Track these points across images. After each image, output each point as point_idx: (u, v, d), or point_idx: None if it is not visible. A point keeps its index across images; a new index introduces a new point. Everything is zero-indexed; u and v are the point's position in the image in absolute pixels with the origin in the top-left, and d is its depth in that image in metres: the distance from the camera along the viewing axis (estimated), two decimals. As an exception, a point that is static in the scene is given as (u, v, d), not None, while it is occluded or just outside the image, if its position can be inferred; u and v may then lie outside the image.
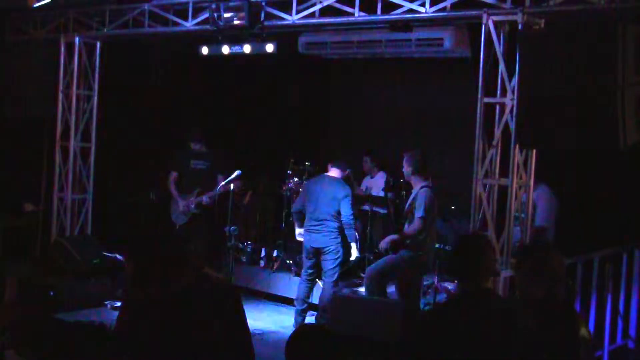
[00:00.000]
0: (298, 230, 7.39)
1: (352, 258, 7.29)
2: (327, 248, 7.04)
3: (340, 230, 7.04)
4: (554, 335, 3.20)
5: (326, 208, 7.03)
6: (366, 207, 8.21)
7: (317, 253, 7.12)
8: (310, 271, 7.20)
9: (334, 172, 7.22)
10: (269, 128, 10.27)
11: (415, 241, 6.46)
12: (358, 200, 8.73)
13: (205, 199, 7.83)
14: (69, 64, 8.32)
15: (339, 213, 6.99)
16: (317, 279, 7.40)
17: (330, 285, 7.09)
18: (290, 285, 8.10)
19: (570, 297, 5.48)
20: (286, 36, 7.64)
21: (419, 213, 6.37)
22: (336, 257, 7.07)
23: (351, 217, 7.02)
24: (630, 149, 5.00)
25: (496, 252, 5.51)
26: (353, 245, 7.17)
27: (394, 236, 6.56)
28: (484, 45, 5.82)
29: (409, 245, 6.47)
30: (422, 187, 6.48)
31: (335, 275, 7.12)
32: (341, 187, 7.12)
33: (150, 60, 9.44)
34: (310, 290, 7.25)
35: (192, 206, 7.92)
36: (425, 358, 3.32)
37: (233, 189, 7.40)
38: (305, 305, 7.20)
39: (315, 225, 7.07)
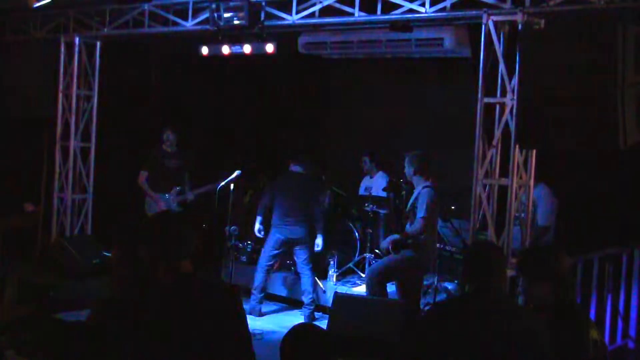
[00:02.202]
0: (259, 226, 7.69)
1: (318, 249, 7.67)
2: (304, 239, 7.53)
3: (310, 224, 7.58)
4: (560, 337, 3.19)
5: (301, 203, 7.52)
6: (367, 208, 8.21)
7: (290, 244, 7.55)
8: (271, 262, 7.62)
9: (298, 169, 7.62)
10: (269, 128, 10.27)
11: (416, 241, 6.46)
12: (358, 201, 8.75)
13: (190, 195, 8.21)
14: (69, 64, 8.32)
15: (310, 207, 7.54)
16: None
17: (310, 274, 7.54)
18: (290, 285, 8.11)
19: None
20: (286, 36, 7.64)
21: (420, 213, 6.38)
22: (309, 247, 7.58)
23: (320, 211, 7.68)
24: (630, 149, 5.00)
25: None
26: (320, 237, 7.61)
27: (395, 236, 6.57)
28: (484, 45, 5.82)
29: (411, 245, 6.47)
30: (423, 187, 6.49)
31: (311, 264, 7.60)
32: (312, 183, 7.83)
33: (150, 60, 9.44)
34: (268, 278, 7.66)
35: (174, 205, 8.14)
36: (426, 357, 3.32)
37: (233, 189, 7.48)
38: (264, 292, 7.61)
39: (292, 219, 7.48)
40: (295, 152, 7.82)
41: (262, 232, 7.72)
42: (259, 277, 7.57)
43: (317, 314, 7.57)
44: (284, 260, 8.44)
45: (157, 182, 8.21)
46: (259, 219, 7.70)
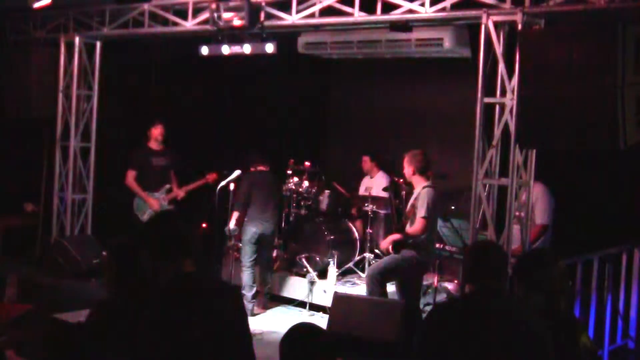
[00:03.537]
0: (234, 225, 7.69)
1: None
2: (272, 238, 7.88)
3: None
4: (555, 343, 3.19)
5: (274, 199, 7.81)
6: (367, 208, 8.21)
7: (261, 241, 7.67)
8: (254, 258, 7.68)
9: (266, 167, 7.82)
10: (269, 128, 10.27)
11: (416, 241, 6.47)
12: (359, 200, 8.75)
13: (180, 193, 8.29)
14: (69, 64, 8.32)
15: (279, 205, 8.02)
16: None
17: (270, 267, 7.94)
18: (290, 285, 8.11)
19: (570, 299, 5.48)
20: (286, 36, 7.64)
21: (421, 213, 6.38)
22: (273, 245, 8.05)
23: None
24: (630, 149, 5.00)
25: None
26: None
27: (395, 236, 6.57)
28: (484, 45, 5.83)
29: (410, 245, 6.48)
30: (423, 188, 6.49)
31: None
32: (277, 180, 8.11)
33: (150, 60, 9.44)
34: (255, 275, 7.71)
35: (165, 203, 8.16)
36: (427, 357, 3.31)
37: (233, 189, 7.50)
38: (254, 290, 7.65)
39: (267, 215, 7.67)
40: (259, 153, 7.94)
41: (236, 231, 7.76)
42: (245, 275, 7.61)
43: (314, 312, 7.60)
44: (283, 260, 8.47)
45: (146, 181, 8.12)
46: (236, 214, 7.67)
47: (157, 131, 8.15)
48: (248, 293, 7.54)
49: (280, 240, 8.52)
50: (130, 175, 8.11)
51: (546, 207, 6.61)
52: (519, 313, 3.27)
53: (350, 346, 5.72)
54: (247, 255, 7.66)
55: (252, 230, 7.62)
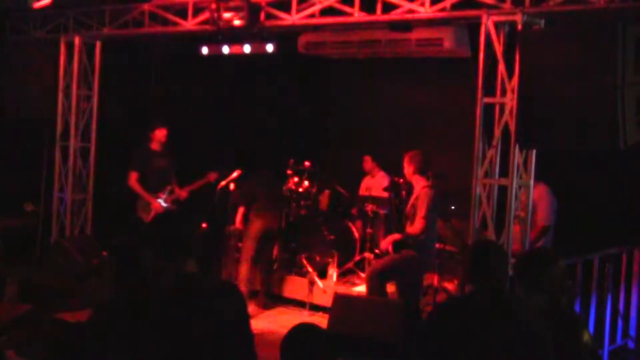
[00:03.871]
0: (240, 219, 7.89)
1: None
2: (276, 232, 7.97)
3: None
4: (556, 342, 3.19)
5: (276, 196, 8.04)
6: (367, 208, 8.21)
7: (266, 236, 7.76)
8: (254, 255, 7.74)
9: (269, 172, 8.00)
10: (269, 128, 10.27)
11: (416, 241, 6.47)
12: (359, 201, 8.75)
13: (184, 194, 8.24)
14: (69, 64, 8.32)
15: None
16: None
17: (270, 266, 8.00)
18: (290, 285, 8.10)
19: (571, 298, 5.48)
20: (286, 36, 7.64)
21: (421, 213, 6.39)
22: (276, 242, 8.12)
23: None
24: (630, 149, 5.00)
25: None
26: None
27: (395, 236, 6.57)
28: (484, 45, 5.82)
29: (410, 245, 6.48)
30: (423, 187, 6.50)
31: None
32: (280, 184, 8.33)
33: (150, 60, 9.44)
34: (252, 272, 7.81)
35: (168, 204, 8.13)
36: (427, 357, 3.31)
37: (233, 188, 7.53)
38: (250, 287, 7.73)
39: (272, 211, 7.84)
40: (263, 163, 8.16)
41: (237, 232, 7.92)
42: (243, 271, 7.62)
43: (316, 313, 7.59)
44: (283, 260, 8.47)
45: (148, 182, 8.04)
46: (241, 209, 7.82)
47: (161, 133, 8.06)
48: (244, 289, 7.52)
49: (280, 240, 8.52)
50: (133, 177, 8.03)
51: (548, 208, 6.60)
52: (519, 313, 3.27)
53: (350, 346, 5.72)
54: (249, 251, 7.66)
55: (258, 225, 7.66)
